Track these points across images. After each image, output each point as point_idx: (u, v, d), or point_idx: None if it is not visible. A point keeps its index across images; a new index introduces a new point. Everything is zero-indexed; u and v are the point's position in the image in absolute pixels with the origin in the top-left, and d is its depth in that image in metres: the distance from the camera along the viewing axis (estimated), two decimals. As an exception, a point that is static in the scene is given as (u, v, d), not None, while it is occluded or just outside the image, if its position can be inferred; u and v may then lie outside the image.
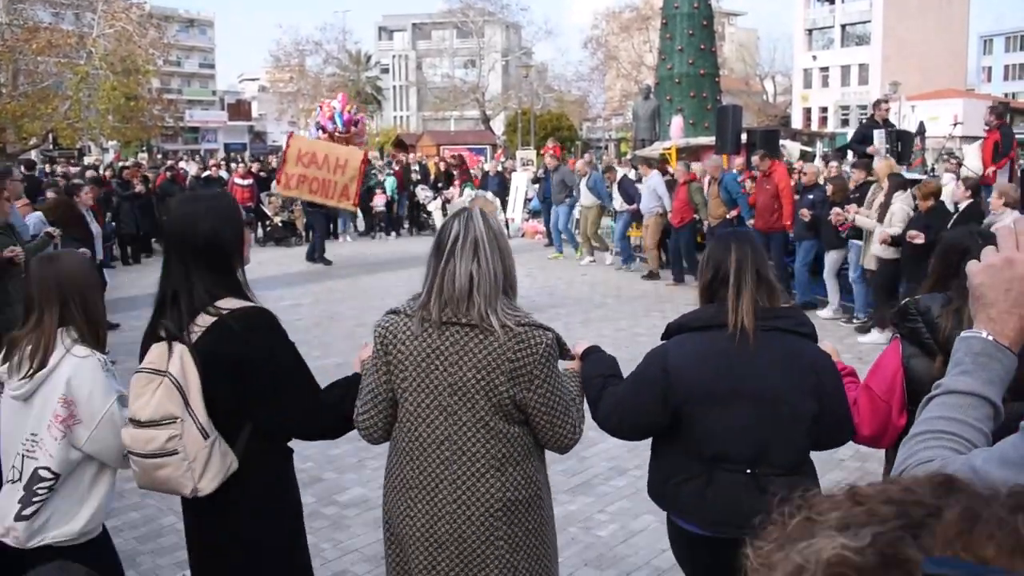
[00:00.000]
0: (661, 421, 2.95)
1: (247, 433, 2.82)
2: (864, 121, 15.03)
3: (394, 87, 77.76)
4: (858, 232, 10.70)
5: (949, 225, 9.21)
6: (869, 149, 12.84)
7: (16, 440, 3.04)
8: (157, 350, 2.76)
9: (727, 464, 2.86)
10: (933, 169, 20.66)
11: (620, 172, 17.18)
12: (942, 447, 1.30)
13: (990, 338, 1.36)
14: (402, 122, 73.83)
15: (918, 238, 9.21)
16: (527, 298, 12.95)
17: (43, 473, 2.96)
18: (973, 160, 12.23)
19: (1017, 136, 15.44)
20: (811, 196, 11.70)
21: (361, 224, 22.93)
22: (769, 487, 2.74)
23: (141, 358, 2.84)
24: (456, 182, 20.19)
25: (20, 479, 2.99)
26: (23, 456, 3.00)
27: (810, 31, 74.17)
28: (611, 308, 12.38)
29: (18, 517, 2.96)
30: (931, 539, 0.65)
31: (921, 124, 23.17)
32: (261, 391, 2.79)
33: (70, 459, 3.00)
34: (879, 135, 13.03)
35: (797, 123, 65.11)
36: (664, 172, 15.52)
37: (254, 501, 2.87)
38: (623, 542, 5.17)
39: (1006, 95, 68.47)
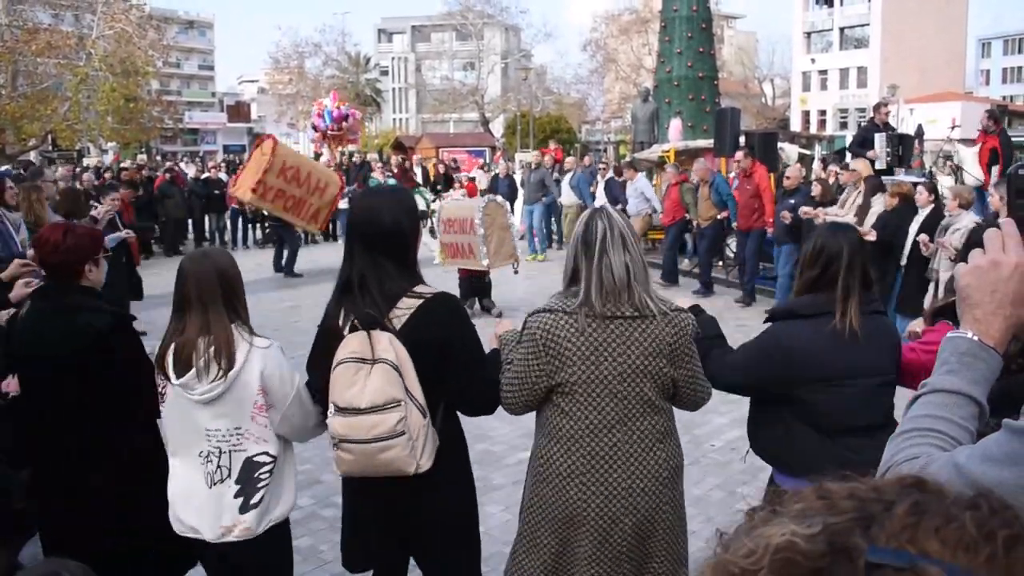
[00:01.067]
0: (771, 391, 3.23)
1: (442, 410, 3.01)
2: (864, 124, 15.03)
3: (393, 89, 77.76)
4: None
5: (915, 228, 9.31)
6: (869, 153, 12.79)
7: (199, 442, 3.09)
8: (357, 339, 2.87)
9: (850, 436, 3.08)
10: (932, 172, 20.70)
11: (640, 175, 16.74)
12: (928, 444, 1.33)
13: (975, 338, 1.38)
14: (401, 124, 73.84)
15: (870, 235, 9.25)
16: (526, 300, 12.94)
17: (261, 459, 3.07)
18: (972, 165, 12.21)
19: (1015, 139, 15.48)
20: (792, 200, 11.51)
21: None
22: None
23: (323, 347, 3.03)
24: (455, 185, 20.19)
25: (230, 476, 3.07)
26: (228, 453, 3.06)
27: (809, 34, 74.25)
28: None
29: (245, 508, 3.06)
30: (880, 531, 0.68)
31: (919, 127, 23.17)
32: (459, 369, 2.96)
33: (279, 441, 3.15)
34: (880, 139, 13.00)
35: (796, 126, 65.13)
36: (619, 174, 16.28)
37: (455, 474, 3.11)
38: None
39: (1004, 98, 68.57)
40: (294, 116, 56.58)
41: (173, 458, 3.21)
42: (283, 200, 14.15)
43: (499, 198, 11.96)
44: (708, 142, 17.39)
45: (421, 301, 2.91)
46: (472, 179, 20.85)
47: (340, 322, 2.96)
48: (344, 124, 25.82)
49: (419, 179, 22.92)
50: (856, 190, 10.85)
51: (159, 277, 16.20)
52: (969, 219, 8.74)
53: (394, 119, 76.64)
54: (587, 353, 2.81)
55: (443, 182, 22.82)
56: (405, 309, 2.90)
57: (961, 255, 7.65)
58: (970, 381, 1.37)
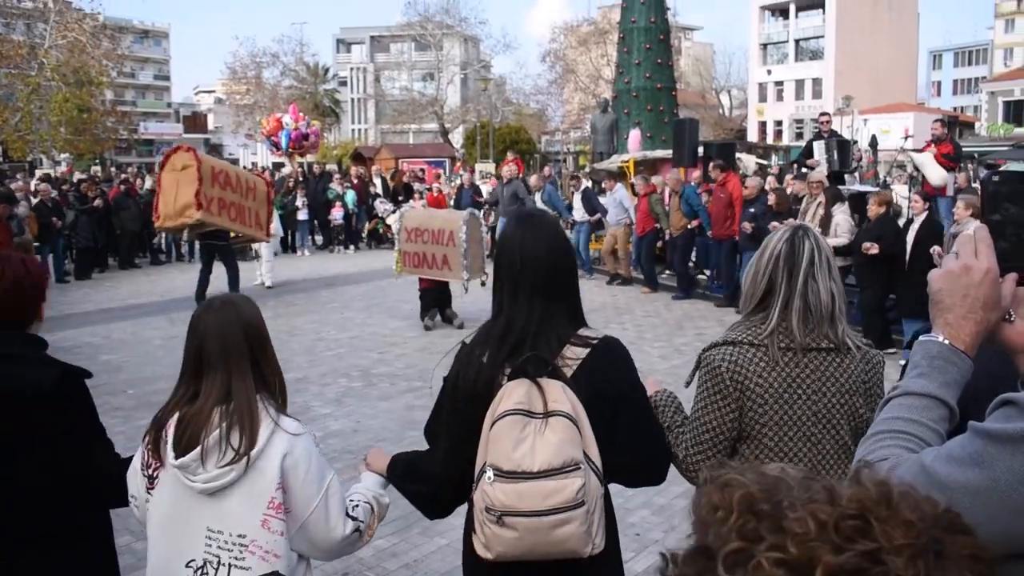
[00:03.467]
0: None
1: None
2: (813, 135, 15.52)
3: (352, 100, 77.51)
4: None
5: (911, 238, 9.57)
6: (809, 161, 13.64)
7: (193, 548, 2.41)
8: (522, 388, 2.31)
9: None
10: (887, 181, 21.06)
11: (584, 183, 17.37)
12: (897, 446, 1.34)
13: (946, 342, 1.39)
14: (360, 135, 73.58)
15: (872, 249, 9.58)
16: (485, 311, 12.91)
17: None
18: (932, 169, 12.42)
19: (965, 149, 15.78)
20: (752, 209, 12.10)
21: (320, 238, 22.83)
22: None
23: (465, 404, 2.44)
24: (415, 195, 20.21)
25: None
26: (227, 566, 2.38)
27: (765, 46, 75.33)
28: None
29: None
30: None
31: (873, 137, 23.60)
32: (629, 428, 2.47)
33: (293, 558, 2.47)
34: (819, 146, 13.76)
35: (753, 136, 66.02)
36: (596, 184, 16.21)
37: (617, 559, 2.58)
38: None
39: (955, 109, 70.00)
40: (251, 127, 56.10)
41: (152, 571, 2.51)
42: (227, 210, 12.70)
43: (477, 213, 12.01)
44: (667, 152, 17.57)
45: (593, 345, 2.45)
46: (440, 191, 20.87)
47: (495, 372, 2.41)
48: (305, 143, 25.78)
49: (379, 189, 22.86)
50: (815, 200, 11.04)
51: (114, 291, 16.11)
52: (974, 226, 8.94)
53: (353, 129, 76.37)
54: (780, 391, 2.45)
55: (403, 192, 22.77)
56: (575, 355, 2.43)
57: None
58: (940, 384, 1.38)
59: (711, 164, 13.79)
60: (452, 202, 17.98)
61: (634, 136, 19.13)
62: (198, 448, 2.35)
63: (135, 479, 2.54)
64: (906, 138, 23.30)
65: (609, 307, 13.48)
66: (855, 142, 15.05)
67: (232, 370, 2.42)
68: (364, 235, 22.54)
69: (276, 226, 16.31)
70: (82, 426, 2.69)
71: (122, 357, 10.46)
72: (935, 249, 9.15)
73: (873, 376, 2.52)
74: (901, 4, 73.40)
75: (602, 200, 16.01)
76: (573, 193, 16.78)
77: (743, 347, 2.48)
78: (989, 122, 55.85)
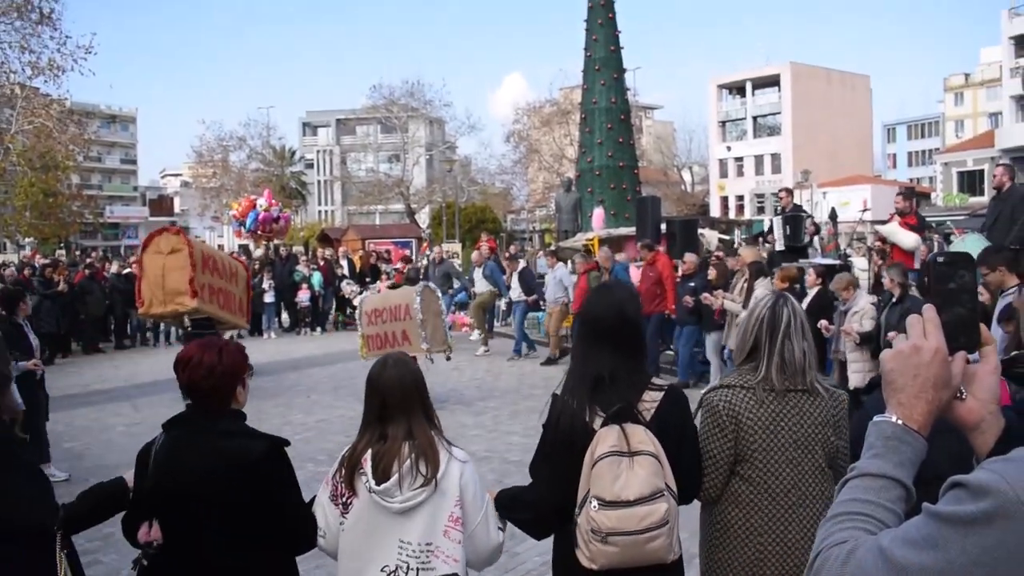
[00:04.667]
0: None
1: None
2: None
3: (318, 181, 78.00)
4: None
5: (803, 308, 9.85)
6: (769, 237, 14.37)
7: (387, 556, 2.95)
8: (613, 433, 2.91)
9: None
10: (846, 253, 21.41)
11: (521, 263, 17.81)
12: (856, 528, 1.36)
13: (900, 422, 1.42)
14: (327, 216, 73.90)
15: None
16: (456, 391, 12.91)
17: None
18: (903, 235, 12.52)
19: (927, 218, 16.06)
20: (692, 283, 12.36)
21: (286, 319, 22.71)
22: None
23: (564, 446, 3.01)
24: (382, 276, 20.31)
25: None
26: (416, 570, 2.93)
27: (723, 123, 77.05)
28: (539, 399, 12.29)
29: None
30: None
31: (833, 210, 24.08)
32: (689, 456, 3.11)
33: (464, 563, 3.03)
34: (777, 222, 14.37)
35: (715, 211, 67.08)
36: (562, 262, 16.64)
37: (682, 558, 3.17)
38: None
39: (911, 180, 71.78)
40: (218, 209, 56.14)
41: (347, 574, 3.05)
42: (217, 297, 12.39)
43: (432, 285, 12.07)
44: (630, 230, 17.79)
45: (664, 392, 3.07)
46: (399, 271, 20.99)
47: (588, 418, 2.99)
48: (275, 226, 25.81)
49: (346, 271, 22.88)
50: (743, 276, 11.44)
51: (78, 376, 15.83)
52: (865, 300, 9.48)
53: (320, 211, 76.70)
54: (766, 424, 3.09)
55: (370, 273, 22.82)
56: (651, 400, 3.03)
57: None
58: (895, 464, 1.40)
59: (639, 244, 14.16)
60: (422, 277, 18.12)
61: (598, 214, 19.35)
62: (395, 476, 2.90)
63: (324, 512, 3.08)
64: (864, 210, 23.82)
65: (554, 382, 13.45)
66: (810, 216, 15.42)
67: (411, 413, 3.00)
68: (330, 318, 22.48)
69: None
70: (292, 483, 3.08)
71: (84, 444, 10.27)
72: (822, 323, 9.68)
73: (840, 412, 3.17)
74: (854, 80, 75.87)
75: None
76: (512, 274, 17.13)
77: (736, 389, 3.15)
78: (944, 192, 57.16)
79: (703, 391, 3.30)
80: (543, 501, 3.12)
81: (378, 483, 2.90)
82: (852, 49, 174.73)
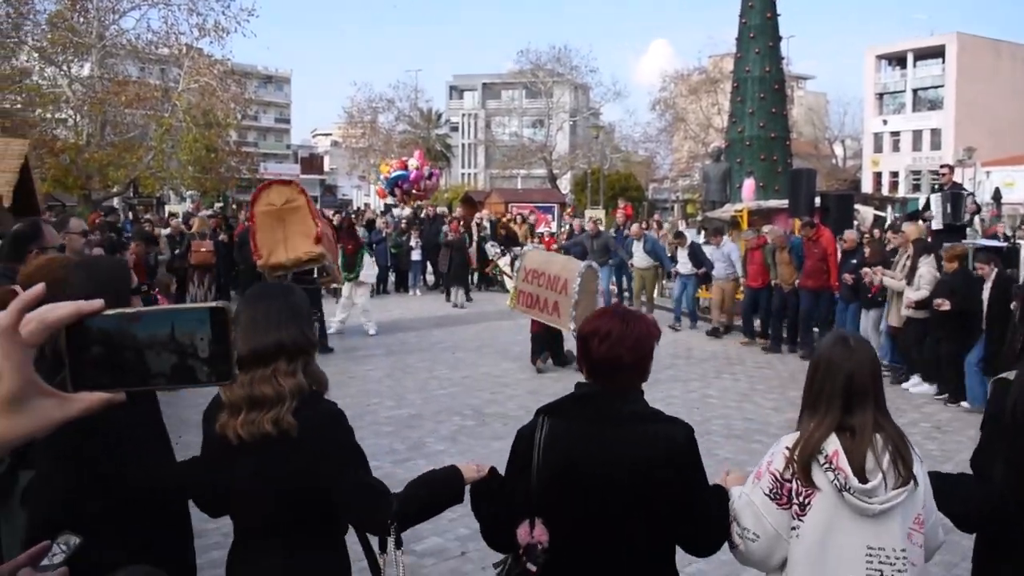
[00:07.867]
0: None
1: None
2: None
3: (463, 144, 78.93)
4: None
5: (987, 295, 9.39)
6: (926, 214, 13.96)
7: (854, 567, 2.58)
8: None
9: None
10: (1014, 235, 20.32)
11: (726, 239, 16.86)
12: None
13: None
14: (470, 179, 74.77)
15: (944, 305, 9.78)
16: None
17: None
18: None
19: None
20: (854, 260, 12.29)
21: (431, 278, 23.23)
22: None
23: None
24: (532, 239, 20.50)
25: None
26: None
27: (881, 95, 73.70)
28: (680, 369, 12.34)
29: None
30: None
31: (996, 190, 22.87)
32: None
33: None
34: (935, 199, 14.00)
35: (867, 187, 64.49)
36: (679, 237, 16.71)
37: None
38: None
39: (1083, 161, 67.11)
40: (365, 169, 57.61)
41: None
42: (329, 245, 11.99)
43: (595, 265, 11.96)
44: (781, 202, 17.39)
45: None
46: (553, 234, 21.04)
47: None
48: (428, 183, 26.30)
49: (488, 232, 23.12)
50: (906, 253, 11.17)
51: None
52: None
53: (463, 174, 77.67)
54: None
55: (505, 240, 22.90)
56: None
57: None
58: None
59: (800, 223, 13.96)
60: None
61: (748, 186, 18.99)
62: (880, 474, 2.55)
63: (755, 512, 2.69)
64: (1033, 192, 22.46)
65: (720, 357, 13.35)
66: (971, 194, 14.68)
67: (877, 401, 2.65)
68: (474, 279, 22.77)
69: (371, 271, 15.71)
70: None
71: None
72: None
73: None
74: (1025, 53, 71.16)
75: (708, 252, 15.85)
76: (676, 248, 16.69)
77: None
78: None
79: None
80: (998, 496, 2.83)
81: (861, 481, 2.55)
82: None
